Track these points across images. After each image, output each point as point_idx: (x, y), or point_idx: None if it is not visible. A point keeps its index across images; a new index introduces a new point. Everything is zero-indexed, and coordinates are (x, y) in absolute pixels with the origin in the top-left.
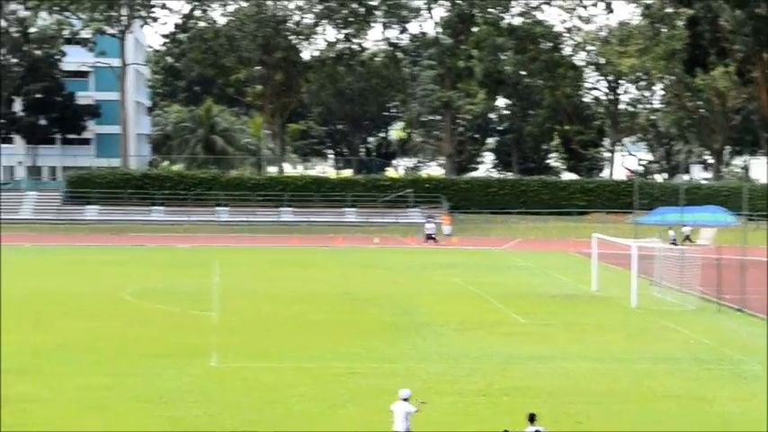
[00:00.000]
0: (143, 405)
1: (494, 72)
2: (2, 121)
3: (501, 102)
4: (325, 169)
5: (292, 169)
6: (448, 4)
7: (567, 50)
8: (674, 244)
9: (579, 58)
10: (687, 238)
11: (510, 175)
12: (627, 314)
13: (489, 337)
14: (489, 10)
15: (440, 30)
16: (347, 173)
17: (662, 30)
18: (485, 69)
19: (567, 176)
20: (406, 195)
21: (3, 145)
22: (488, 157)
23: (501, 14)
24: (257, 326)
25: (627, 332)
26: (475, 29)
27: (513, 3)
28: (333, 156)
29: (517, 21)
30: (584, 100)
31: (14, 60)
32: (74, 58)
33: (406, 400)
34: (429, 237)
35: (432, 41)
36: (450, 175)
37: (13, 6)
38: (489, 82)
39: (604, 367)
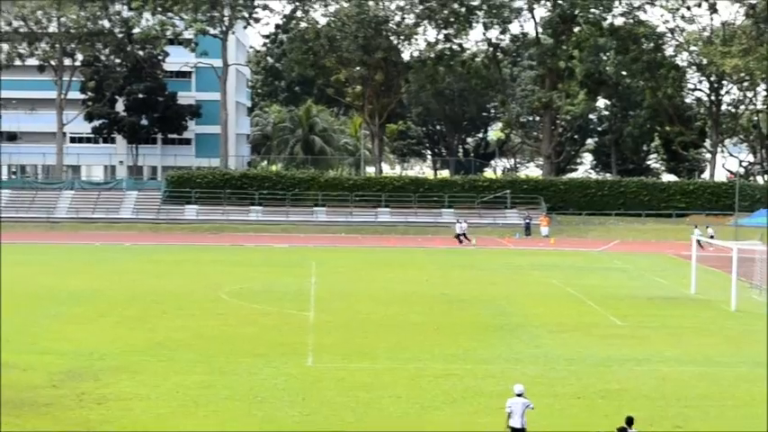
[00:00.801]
0: (239, 404)
1: (594, 72)
2: (105, 120)
3: (601, 102)
4: (423, 170)
5: (390, 170)
6: (549, 4)
7: (669, 51)
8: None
9: (681, 59)
10: (712, 238)
11: (609, 177)
12: (726, 317)
13: (585, 339)
14: (591, 10)
15: (541, 30)
16: (445, 173)
17: (766, 30)
18: (585, 70)
19: (667, 178)
20: (504, 196)
21: (105, 144)
22: (587, 158)
23: (603, 14)
24: (354, 326)
25: (725, 335)
26: (576, 29)
27: (615, 3)
28: (431, 156)
29: (619, 21)
30: (686, 101)
31: (118, 61)
32: (176, 59)
33: (520, 395)
34: (458, 236)
35: (532, 42)
36: (548, 176)
37: (117, 7)
38: (590, 82)
39: (702, 370)
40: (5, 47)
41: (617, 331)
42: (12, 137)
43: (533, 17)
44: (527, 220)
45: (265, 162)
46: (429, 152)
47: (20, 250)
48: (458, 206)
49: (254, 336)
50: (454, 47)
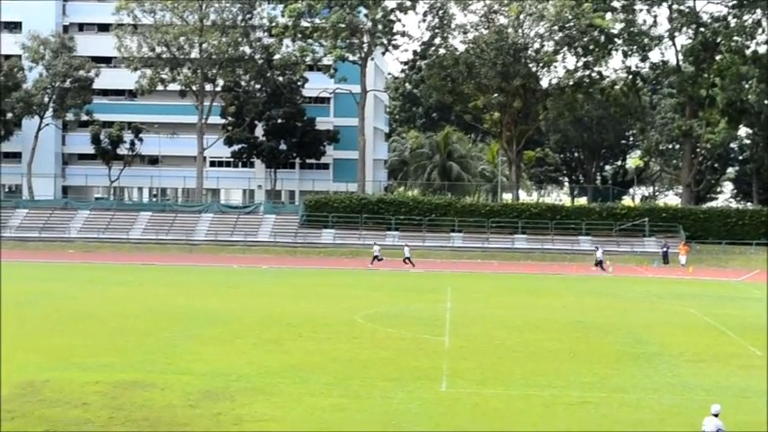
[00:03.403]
0: (373, 428)
1: (736, 101)
2: (244, 145)
3: (743, 131)
4: (560, 197)
5: (527, 196)
6: (691, 32)
7: None
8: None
9: None
10: (600, 263)
11: (750, 206)
12: None
13: (724, 369)
14: (734, 38)
15: (682, 58)
16: (582, 201)
17: None
18: (727, 98)
19: None
20: (642, 224)
21: (244, 168)
22: (728, 187)
23: (746, 42)
24: (488, 352)
25: None
26: (718, 57)
27: (758, 30)
28: (568, 183)
29: (762, 49)
30: None
31: (258, 86)
32: (315, 85)
33: (716, 415)
34: (405, 260)
35: (673, 69)
36: (687, 205)
37: (258, 34)
38: (731, 111)
39: None
40: (148, 72)
41: (757, 362)
42: (153, 160)
43: (674, 45)
44: (665, 249)
45: (402, 187)
46: (566, 179)
47: (159, 271)
48: (595, 233)
49: (388, 360)
50: (593, 74)
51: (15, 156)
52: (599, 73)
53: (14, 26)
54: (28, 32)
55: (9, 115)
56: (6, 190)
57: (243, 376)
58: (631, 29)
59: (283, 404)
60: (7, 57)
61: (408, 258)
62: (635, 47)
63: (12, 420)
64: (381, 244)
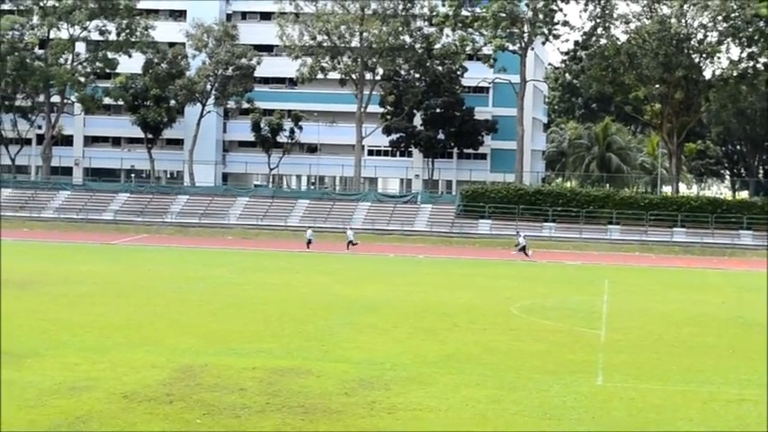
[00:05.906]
0: (528, 419)
1: None
2: (402, 134)
3: None
4: (720, 190)
5: (687, 189)
6: None
7: None
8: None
9: None
10: (522, 248)
11: None
12: None
13: None
14: None
15: None
16: (744, 194)
17: None
18: None
19: None
20: None
21: (402, 158)
22: None
23: None
24: (645, 346)
25: None
26: None
27: None
28: (729, 176)
29: None
30: None
31: (417, 75)
32: (474, 74)
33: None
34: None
35: None
36: None
37: (418, 23)
38: None
39: None
40: (309, 60)
41: None
42: (312, 148)
43: None
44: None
45: (560, 178)
46: (728, 172)
47: (316, 259)
48: (757, 228)
49: (544, 352)
50: (758, 65)
51: (177, 142)
52: (764, 64)
53: (179, 14)
54: (192, 20)
55: (172, 102)
56: (168, 176)
57: (398, 365)
58: None
59: (438, 394)
60: (171, 44)
61: (351, 242)
62: None
63: (171, 404)
64: (535, 235)
